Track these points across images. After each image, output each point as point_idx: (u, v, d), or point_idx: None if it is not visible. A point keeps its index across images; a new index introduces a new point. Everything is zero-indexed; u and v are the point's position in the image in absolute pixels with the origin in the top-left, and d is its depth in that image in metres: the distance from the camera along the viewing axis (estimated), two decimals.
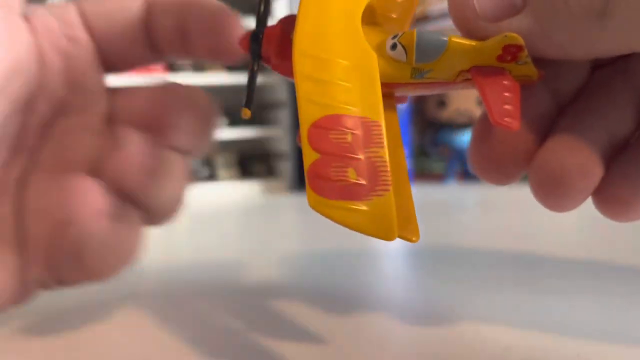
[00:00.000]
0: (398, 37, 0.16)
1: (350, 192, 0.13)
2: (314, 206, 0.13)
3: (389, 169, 0.13)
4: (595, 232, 0.38)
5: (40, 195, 0.19)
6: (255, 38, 0.17)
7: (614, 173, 0.17)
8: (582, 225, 0.42)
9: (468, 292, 0.24)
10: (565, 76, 0.18)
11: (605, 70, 0.18)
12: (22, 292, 0.19)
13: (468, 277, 0.27)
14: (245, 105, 0.17)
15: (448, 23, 0.22)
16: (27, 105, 0.19)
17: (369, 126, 0.14)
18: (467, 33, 0.16)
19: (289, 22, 0.17)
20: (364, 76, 0.15)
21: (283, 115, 1.03)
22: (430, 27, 0.92)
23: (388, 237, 0.13)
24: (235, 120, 0.96)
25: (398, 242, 0.35)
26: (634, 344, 0.18)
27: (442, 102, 0.86)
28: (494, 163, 0.18)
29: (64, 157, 0.20)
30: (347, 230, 0.13)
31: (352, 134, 0.14)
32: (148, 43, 0.20)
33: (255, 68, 0.17)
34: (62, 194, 0.19)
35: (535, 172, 0.17)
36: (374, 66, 0.15)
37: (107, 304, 0.24)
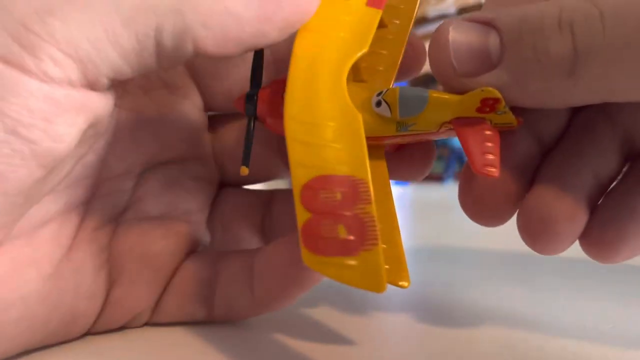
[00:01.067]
0: (382, 94, 0.17)
1: (341, 248, 0.14)
2: (308, 263, 0.13)
3: (376, 224, 0.14)
4: None
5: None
6: (250, 99, 0.18)
7: (600, 217, 0.17)
8: None
9: (466, 290, 0.24)
10: (546, 120, 0.19)
11: (587, 112, 0.19)
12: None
13: (466, 275, 0.27)
14: (243, 163, 0.18)
15: None
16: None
17: (356, 184, 0.14)
18: (448, 88, 0.16)
19: (278, 84, 0.18)
20: (351, 136, 0.15)
21: None
22: (429, 29, 0.92)
23: (378, 290, 0.13)
24: None
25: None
26: (632, 342, 0.18)
27: None
28: (483, 208, 0.18)
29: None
30: None
31: (341, 192, 0.14)
32: None
33: (252, 127, 0.18)
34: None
35: (522, 218, 0.18)
36: (359, 126, 0.16)
37: None
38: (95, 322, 0.19)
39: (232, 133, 0.22)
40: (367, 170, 0.15)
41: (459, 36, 0.16)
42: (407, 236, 0.41)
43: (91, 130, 0.17)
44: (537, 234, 0.17)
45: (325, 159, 0.15)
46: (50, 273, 0.17)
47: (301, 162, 0.15)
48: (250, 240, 0.22)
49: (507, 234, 0.38)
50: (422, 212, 0.52)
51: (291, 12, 0.17)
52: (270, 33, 0.17)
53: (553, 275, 0.26)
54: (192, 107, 0.21)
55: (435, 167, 0.88)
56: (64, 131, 0.15)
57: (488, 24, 0.16)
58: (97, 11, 0.15)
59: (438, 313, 0.21)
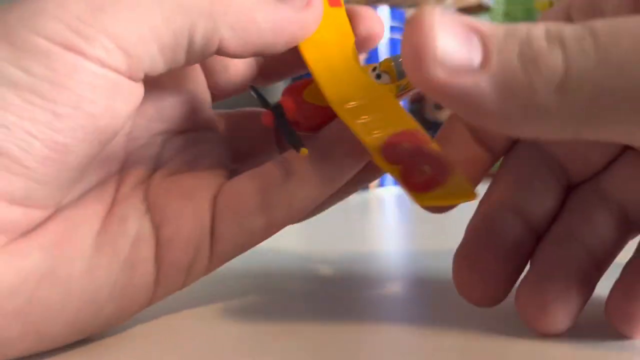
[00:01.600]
0: (377, 68, 0.21)
1: (436, 182, 0.16)
2: (421, 203, 0.16)
3: (443, 154, 0.17)
4: None
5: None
6: (278, 111, 0.20)
7: (616, 294, 0.18)
8: None
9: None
10: (537, 202, 0.19)
11: (580, 190, 0.19)
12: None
13: None
14: (296, 148, 0.19)
15: None
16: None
17: (414, 132, 0.18)
18: (423, 88, 0.14)
19: (293, 90, 0.20)
20: (389, 103, 0.19)
21: None
22: None
23: (472, 198, 0.16)
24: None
25: (396, 243, 0.36)
26: (632, 341, 0.18)
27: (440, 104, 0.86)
28: (477, 291, 0.19)
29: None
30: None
31: (409, 142, 0.18)
32: None
33: (290, 135, 0.20)
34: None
35: (518, 304, 0.18)
36: (390, 94, 0.20)
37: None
38: (158, 267, 0.19)
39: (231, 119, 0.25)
40: (414, 121, 0.18)
41: (444, 27, 0.13)
42: (406, 237, 0.41)
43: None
44: (534, 319, 0.18)
45: (384, 125, 0.18)
46: (99, 227, 0.19)
47: (368, 135, 0.18)
48: None
49: None
50: (421, 212, 0.52)
51: (298, 28, 0.20)
52: (278, 45, 0.20)
53: None
54: (199, 83, 0.23)
55: None
56: (122, 109, 0.18)
57: (472, 29, 0.14)
58: (142, 9, 0.17)
59: (437, 313, 0.22)
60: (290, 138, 0.19)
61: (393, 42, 0.73)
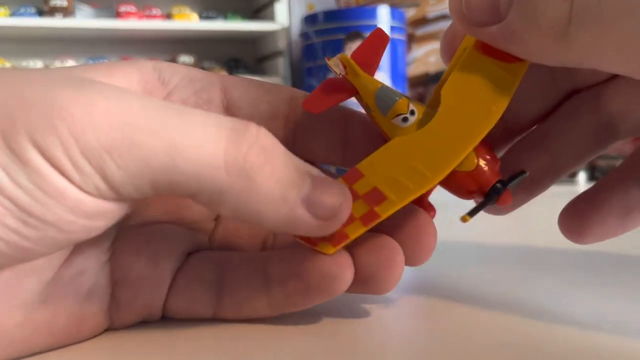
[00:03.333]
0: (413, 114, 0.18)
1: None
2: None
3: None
4: None
5: None
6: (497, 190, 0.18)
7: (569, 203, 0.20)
8: None
9: (466, 289, 0.24)
10: (525, 104, 0.21)
11: (579, 97, 0.20)
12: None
13: (465, 274, 0.27)
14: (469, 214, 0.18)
15: (445, 25, 0.23)
16: None
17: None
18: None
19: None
20: None
21: (280, 65, 1.04)
22: (429, 29, 0.92)
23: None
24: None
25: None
26: (633, 339, 0.18)
27: None
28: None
29: None
30: None
31: None
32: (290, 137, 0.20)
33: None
34: None
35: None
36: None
37: None
38: (110, 321, 0.19)
39: None
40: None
41: None
42: None
43: None
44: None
45: None
46: (50, 278, 0.18)
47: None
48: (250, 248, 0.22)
49: (506, 234, 0.38)
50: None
51: (309, 232, 0.17)
52: (270, 226, 0.17)
53: (552, 274, 0.26)
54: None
55: None
56: (101, 226, 0.16)
57: None
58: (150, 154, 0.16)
59: (436, 312, 0.22)
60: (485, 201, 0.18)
61: (393, 43, 0.73)
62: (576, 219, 0.20)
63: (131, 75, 0.18)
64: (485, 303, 0.21)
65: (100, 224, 0.16)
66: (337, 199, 0.16)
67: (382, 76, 0.65)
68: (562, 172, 0.21)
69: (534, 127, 0.21)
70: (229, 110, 0.20)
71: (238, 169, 0.15)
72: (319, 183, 0.16)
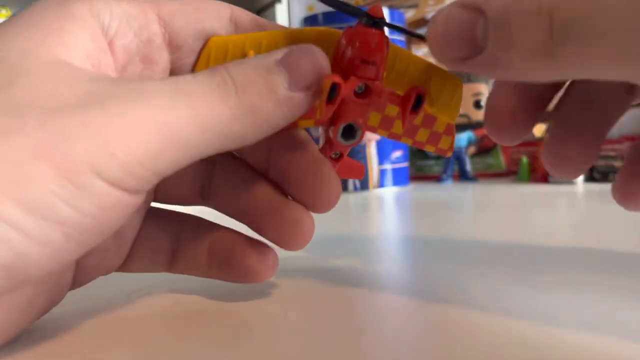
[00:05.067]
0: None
1: None
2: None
3: None
4: (590, 229, 0.39)
5: None
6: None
7: (625, 173, 0.21)
8: (576, 222, 0.43)
9: (465, 289, 0.24)
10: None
11: None
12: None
13: (465, 274, 0.27)
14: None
15: None
16: None
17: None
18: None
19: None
20: None
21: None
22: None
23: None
24: None
25: (395, 241, 0.36)
26: (632, 339, 0.18)
27: None
28: (501, 128, 0.23)
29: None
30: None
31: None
32: None
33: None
34: None
35: (546, 154, 0.23)
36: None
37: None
38: (72, 286, 0.21)
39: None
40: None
41: (449, 24, 0.17)
42: (405, 235, 0.41)
43: None
44: (557, 167, 0.22)
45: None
46: None
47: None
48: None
49: (506, 234, 0.38)
50: (421, 211, 0.52)
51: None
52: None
53: (553, 274, 0.26)
54: None
55: (434, 167, 0.88)
56: (119, 221, 0.17)
57: (477, 10, 0.16)
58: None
59: (436, 312, 0.22)
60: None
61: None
62: (634, 183, 0.21)
63: (81, 34, 0.18)
64: (486, 304, 0.21)
65: (119, 220, 0.17)
66: (309, 58, 0.19)
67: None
68: (609, 126, 0.22)
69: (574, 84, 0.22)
70: (172, 44, 0.20)
71: (242, 114, 0.17)
72: (289, 60, 0.18)
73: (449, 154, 0.23)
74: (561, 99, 0.22)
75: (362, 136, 0.21)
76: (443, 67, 0.20)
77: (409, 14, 0.98)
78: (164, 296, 0.25)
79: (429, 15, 0.96)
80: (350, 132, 0.21)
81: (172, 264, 0.24)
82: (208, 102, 0.17)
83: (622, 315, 0.20)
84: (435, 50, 0.18)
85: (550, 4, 0.15)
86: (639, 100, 0.22)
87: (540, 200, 0.54)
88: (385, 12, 0.73)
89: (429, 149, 0.23)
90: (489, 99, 0.22)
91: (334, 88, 0.19)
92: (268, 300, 0.24)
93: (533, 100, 0.22)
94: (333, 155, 0.23)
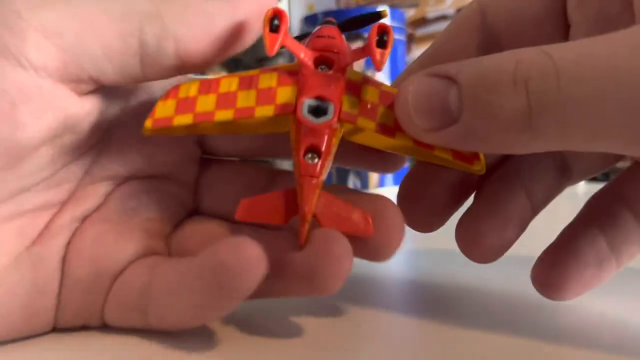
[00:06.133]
0: None
1: None
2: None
3: None
4: None
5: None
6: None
7: (547, 259, 0.20)
8: None
9: (465, 290, 0.24)
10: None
11: None
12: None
13: (465, 275, 0.27)
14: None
15: (445, 25, 0.23)
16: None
17: None
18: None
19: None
20: None
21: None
22: (428, 30, 0.92)
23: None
24: None
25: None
26: (632, 341, 0.18)
27: None
28: (418, 218, 0.21)
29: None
30: None
31: None
32: None
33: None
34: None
35: (458, 231, 0.20)
36: None
37: None
38: (55, 319, 0.19)
39: (221, 173, 0.23)
40: None
41: (420, 94, 0.16)
42: (406, 236, 0.41)
43: (69, 136, 0.18)
44: (470, 247, 0.20)
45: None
46: (7, 264, 0.18)
47: None
48: None
49: None
50: None
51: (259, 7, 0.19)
52: (245, 38, 0.19)
53: None
54: (184, 138, 0.22)
55: None
56: (27, 120, 0.16)
57: (450, 79, 0.16)
58: (86, 9, 0.16)
59: (436, 312, 0.22)
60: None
61: (393, 43, 0.73)
62: (553, 273, 0.19)
63: None
64: (485, 304, 0.21)
65: (24, 117, 0.16)
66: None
67: (382, 77, 0.66)
68: (536, 212, 0.21)
69: (506, 162, 0.21)
70: None
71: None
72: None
73: (477, 170, 0.19)
74: (489, 172, 0.20)
75: (337, 112, 0.18)
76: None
77: (410, 13, 0.98)
78: None
79: (430, 15, 0.95)
80: (320, 109, 0.18)
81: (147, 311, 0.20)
82: None
83: (625, 315, 0.20)
84: (405, 120, 0.17)
85: (525, 74, 0.14)
86: (571, 184, 0.21)
87: None
88: (386, 11, 0.73)
89: (458, 167, 0.19)
90: (403, 182, 0.21)
91: (276, 17, 0.18)
92: (263, 304, 0.24)
93: (453, 188, 0.20)
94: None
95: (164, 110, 0.18)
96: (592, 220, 0.20)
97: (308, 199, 0.18)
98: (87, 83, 0.17)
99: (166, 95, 0.18)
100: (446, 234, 0.22)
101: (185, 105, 0.18)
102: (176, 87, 0.19)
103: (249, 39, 0.19)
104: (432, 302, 0.23)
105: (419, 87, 0.16)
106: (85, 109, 0.18)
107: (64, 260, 0.19)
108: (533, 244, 0.36)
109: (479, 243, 0.19)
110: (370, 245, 0.18)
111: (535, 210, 0.20)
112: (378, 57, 0.18)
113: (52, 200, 0.20)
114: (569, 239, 0.20)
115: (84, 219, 0.20)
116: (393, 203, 0.19)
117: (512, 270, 0.28)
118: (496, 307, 0.21)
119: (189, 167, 0.22)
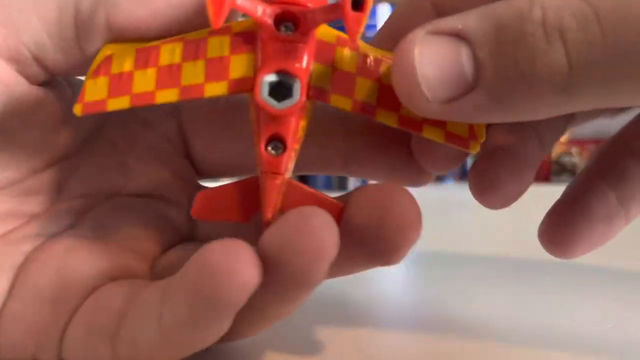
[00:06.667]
0: None
1: None
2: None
3: None
4: None
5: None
6: None
7: (555, 215, 0.19)
8: None
9: (466, 290, 0.25)
10: None
11: None
12: None
13: (466, 275, 0.27)
14: None
15: None
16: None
17: None
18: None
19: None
20: None
21: None
22: None
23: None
24: None
25: None
26: (631, 343, 0.18)
27: None
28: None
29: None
30: None
31: None
32: None
33: None
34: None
35: (472, 177, 0.19)
36: None
37: None
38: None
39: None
40: None
41: (426, 56, 0.13)
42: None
43: (27, 131, 0.17)
44: (486, 192, 0.18)
45: None
46: None
47: None
48: None
49: (506, 234, 0.38)
50: (424, 211, 0.52)
51: None
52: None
53: (553, 275, 0.27)
54: (174, 154, 0.20)
55: None
56: None
57: (457, 35, 0.13)
58: None
59: (436, 313, 0.22)
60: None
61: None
62: (562, 230, 0.18)
63: None
64: (485, 307, 0.21)
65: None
66: None
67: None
68: (543, 154, 0.20)
69: None
70: None
71: None
72: None
73: (472, 149, 0.16)
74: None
75: (305, 93, 0.15)
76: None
77: None
78: None
79: None
80: (282, 87, 0.15)
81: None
82: None
83: (625, 315, 0.20)
84: (408, 93, 0.13)
85: (557, 22, 0.12)
86: (574, 126, 0.21)
87: (540, 200, 0.53)
88: (387, 10, 0.73)
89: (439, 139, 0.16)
90: (473, 166, 0.19)
91: None
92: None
93: (524, 159, 0.19)
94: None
95: (94, 91, 0.15)
96: (601, 174, 0.19)
97: (270, 202, 0.15)
98: (32, 65, 0.16)
99: (97, 71, 0.16)
100: (447, 235, 0.22)
101: (120, 84, 0.15)
102: (108, 59, 0.16)
103: (193, 12, 0.16)
104: (431, 302, 0.23)
105: (423, 48, 0.13)
106: (37, 98, 0.17)
107: (22, 267, 0.17)
108: (531, 240, 0.36)
109: (497, 188, 0.18)
110: (375, 247, 0.15)
111: (543, 153, 0.20)
112: (352, 22, 0.13)
113: (20, 209, 0.18)
114: (577, 194, 0.19)
115: (56, 234, 0.18)
116: (406, 192, 0.15)
117: (513, 271, 0.28)
118: (496, 307, 0.21)
119: (182, 187, 0.20)
